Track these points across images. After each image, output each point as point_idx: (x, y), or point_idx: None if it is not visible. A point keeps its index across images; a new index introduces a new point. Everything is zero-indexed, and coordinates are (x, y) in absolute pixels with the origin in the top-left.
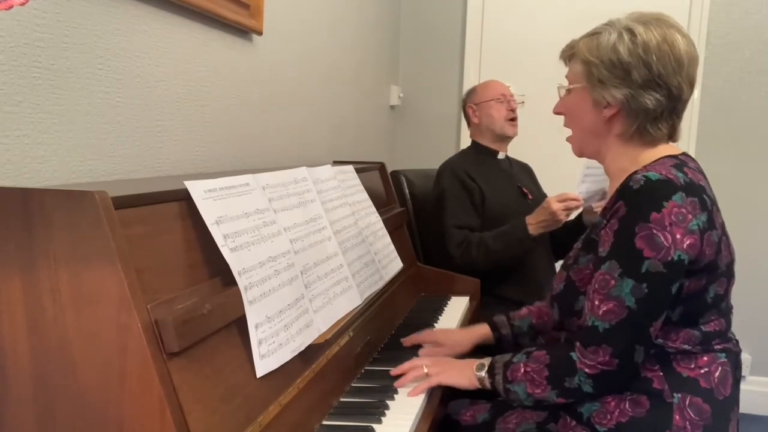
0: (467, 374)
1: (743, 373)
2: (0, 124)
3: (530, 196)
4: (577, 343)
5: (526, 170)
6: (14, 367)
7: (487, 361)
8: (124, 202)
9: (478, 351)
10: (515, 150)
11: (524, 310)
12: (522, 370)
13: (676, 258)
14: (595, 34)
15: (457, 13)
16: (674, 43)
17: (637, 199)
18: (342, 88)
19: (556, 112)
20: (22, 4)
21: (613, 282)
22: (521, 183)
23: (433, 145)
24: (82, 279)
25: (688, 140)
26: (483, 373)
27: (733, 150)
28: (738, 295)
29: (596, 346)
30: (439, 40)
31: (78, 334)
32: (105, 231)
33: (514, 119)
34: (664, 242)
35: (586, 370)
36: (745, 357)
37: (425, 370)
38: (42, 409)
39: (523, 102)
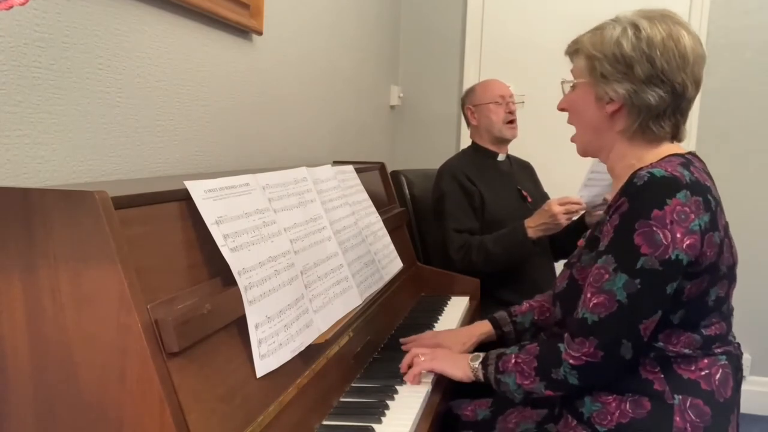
0: (462, 365)
1: (743, 374)
2: (0, 124)
3: (530, 199)
4: (566, 334)
5: (527, 170)
6: (14, 367)
7: (483, 354)
8: (124, 202)
9: (479, 349)
10: (515, 150)
11: (525, 306)
12: (513, 361)
13: (674, 257)
14: (599, 29)
15: (457, 13)
16: (680, 39)
17: (640, 196)
18: (342, 88)
19: (560, 108)
20: (22, 4)
21: (606, 276)
22: (521, 185)
23: (433, 145)
24: (82, 279)
25: (688, 140)
26: (477, 364)
27: (733, 150)
28: (738, 295)
29: (583, 338)
30: (439, 40)
31: (78, 334)
32: (105, 231)
33: (513, 121)
34: (663, 240)
35: (571, 360)
36: (745, 357)
37: (422, 359)
38: (42, 409)
39: (522, 102)
